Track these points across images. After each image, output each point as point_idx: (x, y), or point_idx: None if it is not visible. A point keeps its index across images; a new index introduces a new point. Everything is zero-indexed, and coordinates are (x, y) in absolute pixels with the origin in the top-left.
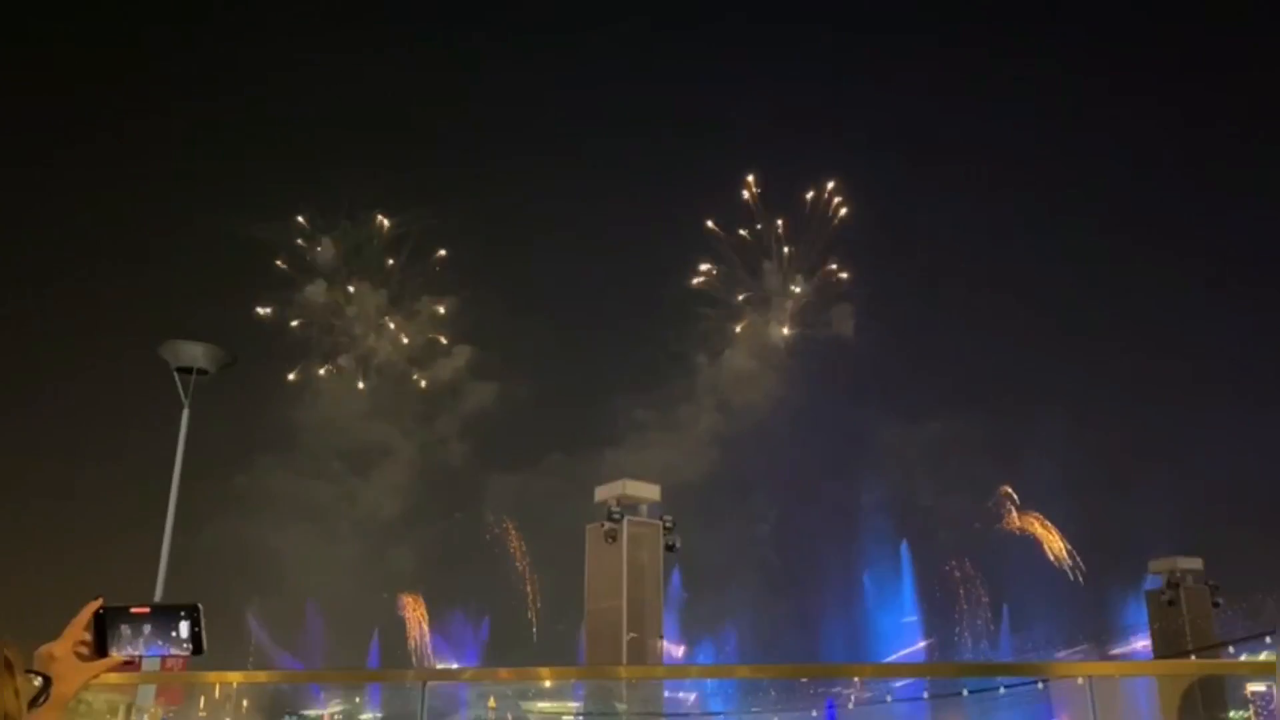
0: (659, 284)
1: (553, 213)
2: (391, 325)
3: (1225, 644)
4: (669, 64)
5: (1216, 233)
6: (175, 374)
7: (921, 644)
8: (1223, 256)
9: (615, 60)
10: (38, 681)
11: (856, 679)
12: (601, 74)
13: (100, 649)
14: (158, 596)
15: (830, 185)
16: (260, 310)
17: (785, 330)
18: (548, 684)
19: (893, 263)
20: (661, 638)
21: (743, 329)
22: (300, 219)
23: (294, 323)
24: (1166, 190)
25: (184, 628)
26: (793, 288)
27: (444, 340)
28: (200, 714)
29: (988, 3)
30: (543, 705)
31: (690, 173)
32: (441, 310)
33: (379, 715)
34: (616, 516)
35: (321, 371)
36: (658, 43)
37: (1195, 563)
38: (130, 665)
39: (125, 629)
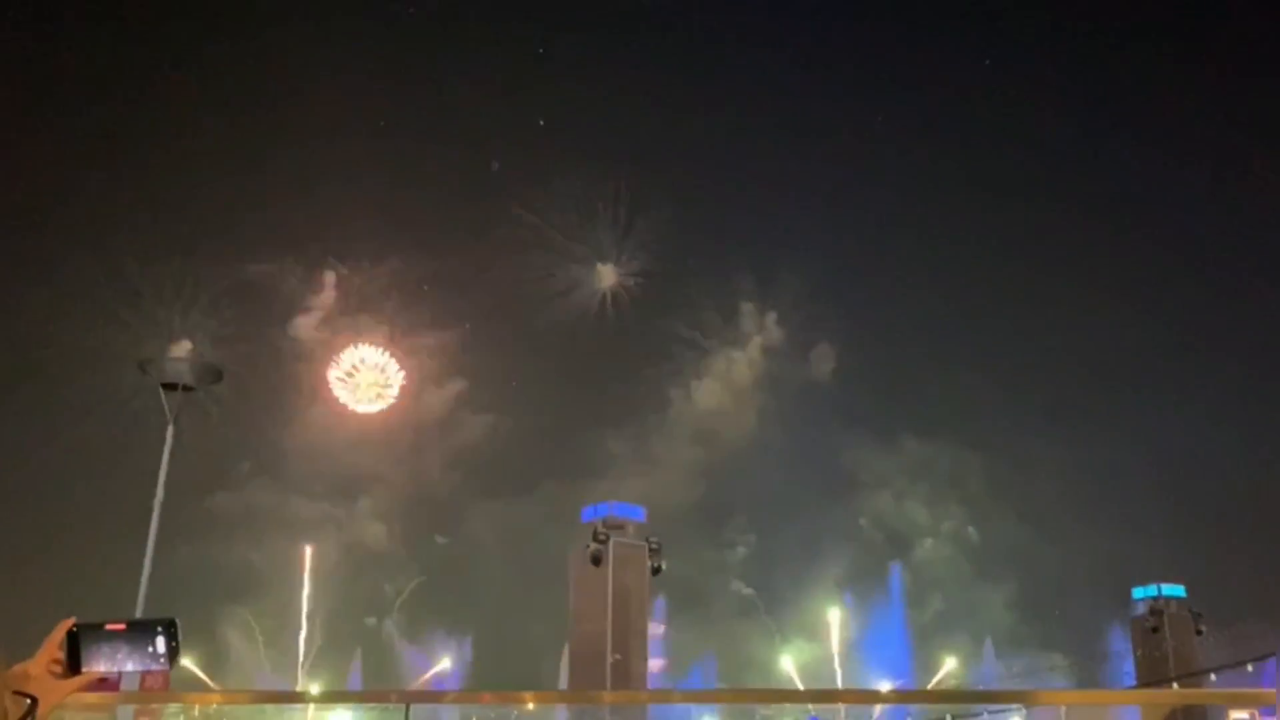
0: (639, 322)
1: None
2: (388, 358)
3: (1208, 671)
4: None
5: (1211, 244)
6: (161, 389)
7: (898, 682)
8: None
9: (621, 118)
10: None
11: (841, 705)
12: (600, 125)
13: (74, 666)
14: (139, 613)
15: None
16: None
17: (759, 366)
18: (530, 706)
19: (863, 290)
20: (646, 660)
21: (719, 365)
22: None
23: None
24: (1152, 201)
25: (160, 642)
26: (767, 327)
27: (435, 374)
28: None
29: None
30: None
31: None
32: (435, 344)
33: None
34: (602, 538)
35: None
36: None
37: (1179, 590)
38: (106, 682)
39: (100, 646)
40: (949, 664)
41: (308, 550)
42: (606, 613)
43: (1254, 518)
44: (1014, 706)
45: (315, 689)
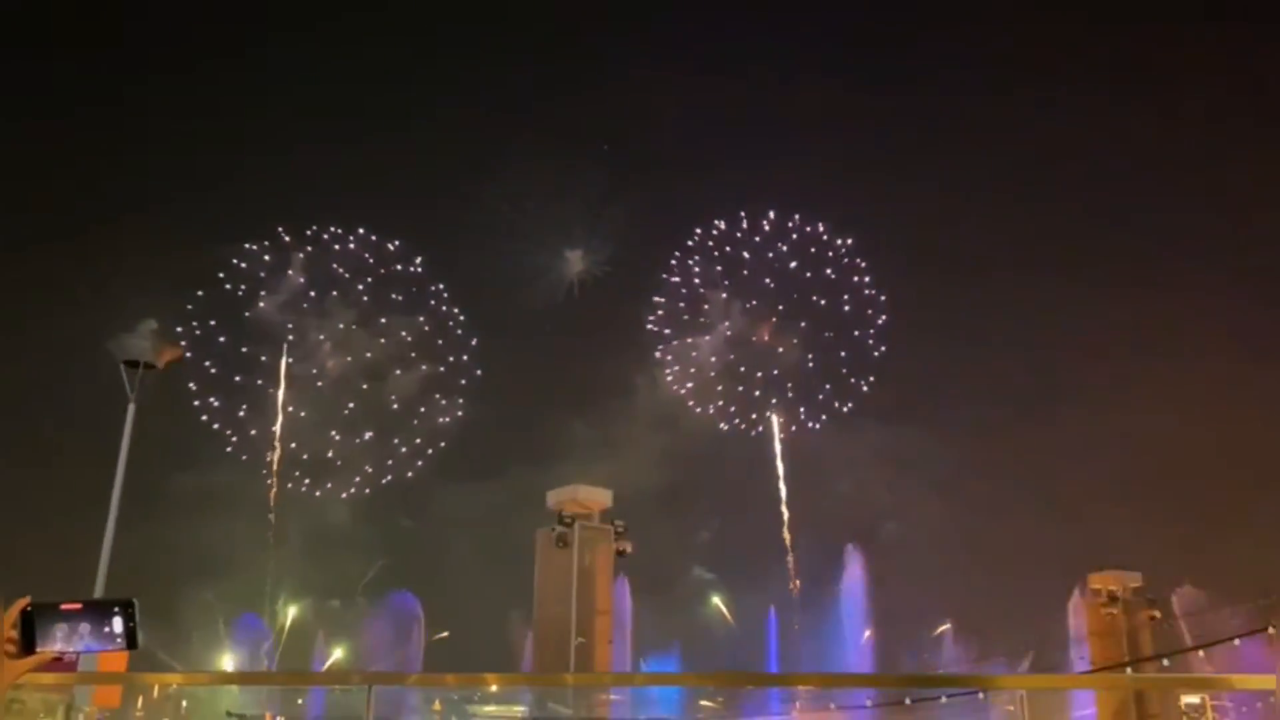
0: (606, 308)
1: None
2: (353, 340)
3: (1160, 656)
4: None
5: (1178, 232)
6: (122, 367)
7: (867, 635)
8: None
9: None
10: None
11: (800, 687)
12: (579, 94)
13: (28, 646)
14: (99, 593)
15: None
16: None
17: (724, 353)
18: (494, 688)
19: (831, 277)
20: (610, 643)
21: (684, 352)
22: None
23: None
24: (1121, 187)
25: (117, 623)
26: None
27: (403, 357)
28: (138, 714)
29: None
30: (489, 709)
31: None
32: (404, 332)
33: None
34: (568, 521)
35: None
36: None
37: (1135, 578)
38: (61, 662)
39: (56, 626)
40: (944, 626)
41: (271, 532)
42: (571, 596)
43: (1212, 504)
44: (974, 691)
45: (277, 670)
